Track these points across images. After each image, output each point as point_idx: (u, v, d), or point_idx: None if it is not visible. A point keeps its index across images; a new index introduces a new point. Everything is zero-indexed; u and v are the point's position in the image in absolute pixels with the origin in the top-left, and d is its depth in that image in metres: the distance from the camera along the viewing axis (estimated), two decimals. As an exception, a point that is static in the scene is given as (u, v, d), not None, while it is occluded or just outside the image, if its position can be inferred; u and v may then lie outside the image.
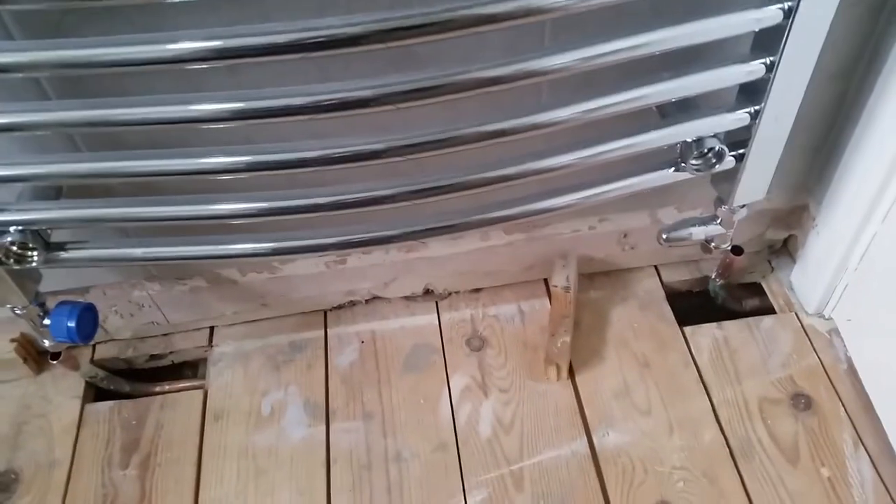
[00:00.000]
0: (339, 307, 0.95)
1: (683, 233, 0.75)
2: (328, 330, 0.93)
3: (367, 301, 0.95)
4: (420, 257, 0.88)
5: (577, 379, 0.85)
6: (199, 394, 0.88)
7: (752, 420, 0.81)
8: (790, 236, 0.92)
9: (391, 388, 0.87)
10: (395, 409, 0.85)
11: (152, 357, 0.93)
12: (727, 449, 0.79)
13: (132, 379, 0.92)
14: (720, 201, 0.74)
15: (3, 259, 0.66)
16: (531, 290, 0.95)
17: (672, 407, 0.82)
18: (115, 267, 0.80)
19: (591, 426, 0.81)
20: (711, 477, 0.77)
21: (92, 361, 0.91)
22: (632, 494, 0.76)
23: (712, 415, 0.81)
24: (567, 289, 0.87)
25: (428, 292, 0.94)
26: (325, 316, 0.95)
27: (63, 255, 0.65)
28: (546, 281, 0.95)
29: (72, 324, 0.72)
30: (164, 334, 0.93)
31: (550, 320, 0.88)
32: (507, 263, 0.91)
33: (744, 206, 0.73)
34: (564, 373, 0.84)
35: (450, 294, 0.95)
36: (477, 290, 0.95)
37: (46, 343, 0.77)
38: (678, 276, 0.94)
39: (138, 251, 0.68)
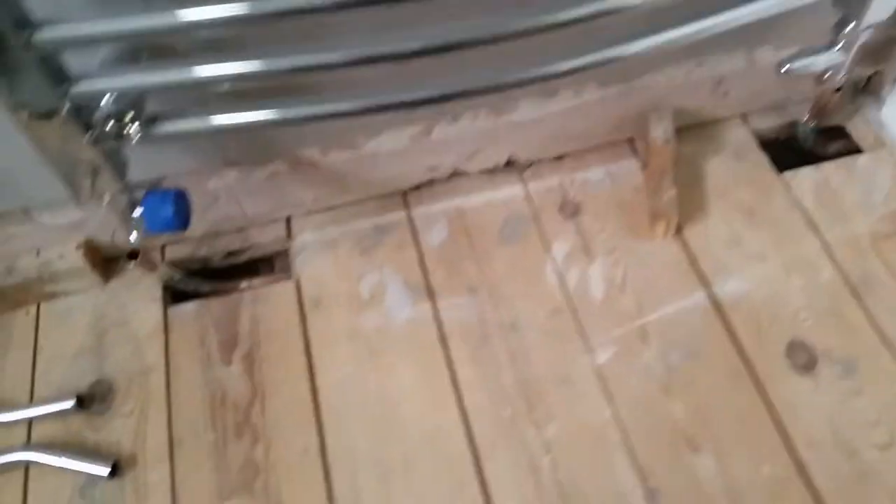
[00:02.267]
0: (418, 187, 0.90)
1: (805, 62, 0.72)
2: (411, 210, 0.88)
3: (447, 178, 0.90)
4: (508, 122, 0.83)
5: (684, 233, 0.83)
6: (290, 285, 0.83)
7: (866, 255, 0.80)
8: (875, 73, 0.90)
9: (490, 262, 0.83)
10: (500, 282, 0.82)
11: (229, 254, 0.87)
12: (847, 285, 0.78)
13: (209, 278, 0.86)
14: (841, 25, 0.71)
15: (101, 136, 0.59)
16: (616, 152, 0.91)
17: (784, 250, 0.81)
18: (198, 150, 0.73)
19: (708, 277, 0.80)
20: (837, 314, 0.76)
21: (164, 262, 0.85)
22: (762, 337, 0.75)
23: (825, 254, 0.80)
24: (667, 141, 0.83)
25: (510, 164, 0.90)
26: (405, 197, 0.89)
27: (162, 127, 0.59)
28: (631, 140, 0.91)
29: (169, 210, 0.65)
30: (240, 229, 0.87)
31: (649, 176, 0.84)
32: (596, 123, 0.87)
33: (869, 27, 0.70)
34: (673, 227, 0.82)
35: (531, 164, 0.90)
36: (560, 158, 0.91)
37: (132, 238, 0.70)
38: (766, 124, 0.92)
39: (233, 119, 0.62)
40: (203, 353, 0.78)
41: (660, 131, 0.84)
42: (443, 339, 0.78)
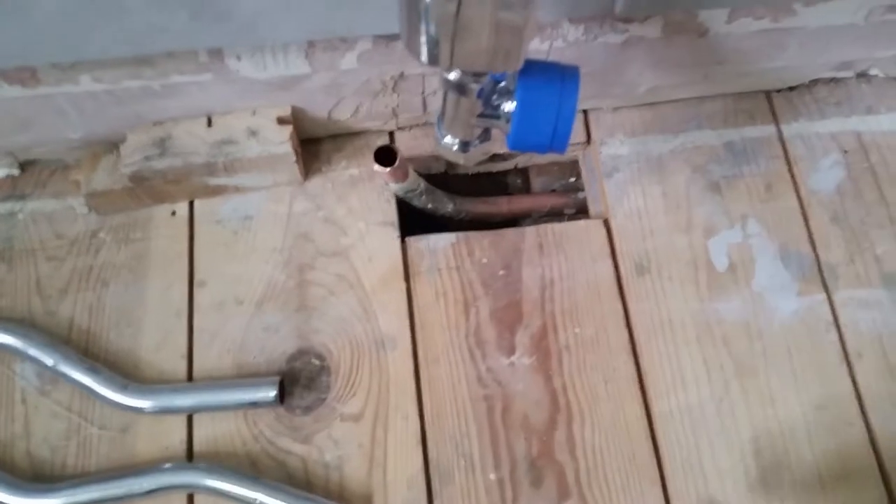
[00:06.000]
0: (792, 89, 0.56)
1: None
2: (781, 126, 0.55)
3: (835, 80, 0.56)
4: None
5: None
6: (596, 227, 0.52)
7: None
8: None
9: (913, 233, 0.52)
10: (931, 270, 0.51)
11: (492, 158, 0.55)
12: None
13: (462, 195, 0.54)
14: None
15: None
16: None
17: None
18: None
19: None
20: None
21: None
22: None
23: None
24: None
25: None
26: (770, 102, 0.56)
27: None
28: None
29: (569, 108, 0.33)
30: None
31: None
32: None
33: None
34: None
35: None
36: None
37: (457, 145, 0.38)
38: None
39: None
40: (467, 326, 0.49)
41: None
42: (845, 355, 0.49)
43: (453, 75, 0.33)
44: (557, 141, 0.34)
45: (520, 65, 0.30)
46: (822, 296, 0.50)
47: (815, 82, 0.56)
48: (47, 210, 0.52)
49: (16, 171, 0.53)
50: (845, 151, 0.55)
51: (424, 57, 0.30)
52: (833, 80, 0.56)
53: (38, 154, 0.52)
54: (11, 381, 0.46)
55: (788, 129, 0.55)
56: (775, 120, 0.56)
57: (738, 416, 0.47)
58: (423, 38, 0.29)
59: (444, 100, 0.37)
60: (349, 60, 0.46)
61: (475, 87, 0.33)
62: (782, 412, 0.47)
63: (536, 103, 0.33)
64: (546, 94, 0.33)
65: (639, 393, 0.47)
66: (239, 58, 0.45)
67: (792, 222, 0.52)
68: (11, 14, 0.38)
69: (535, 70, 0.33)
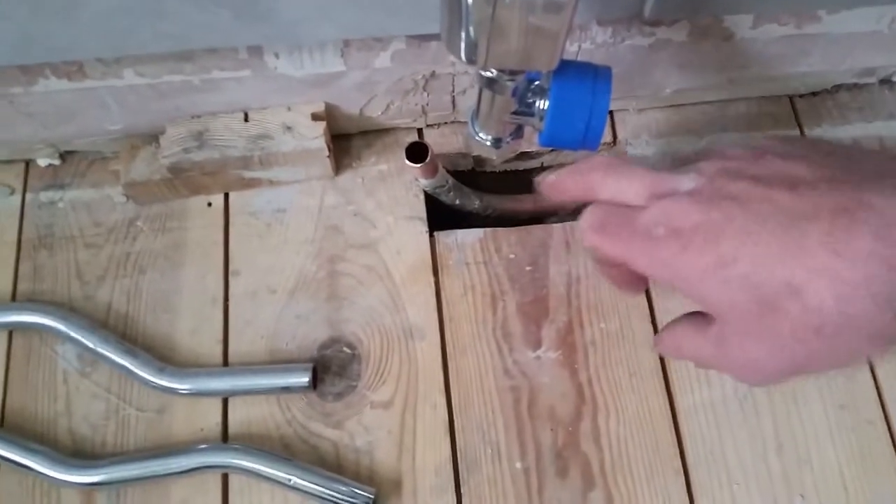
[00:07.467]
0: (815, 94, 0.57)
1: None
2: (804, 130, 0.56)
3: (857, 86, 0.57)
4: None
5: None
6: (622, 226, 0.53)
7: None
8: None
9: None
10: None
11: (520, 156, 0.56)
12: None
13: (483, 190, 0.55)
14: None
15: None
16: None
17: None
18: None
19: None
20: None
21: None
22: None
23: None
24: None
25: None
26: (794, 107, 0.57)
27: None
28: None
29: (603, 105, 0.34)
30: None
31: None
32: None
33: None
34: None
35: None
36: None
37: (489, 141, 0.40)
38: None
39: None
40: (494, 320, 0.50)
41: None
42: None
43: (489, 73, 0.34)
44: (590, 138, 0.35)
45: (555, 65, 0.31)
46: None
47: (837, 88, 0.57)
48: (86, 199, 0.53)
49: (57, 161, 0.54)
50: (868, 156, 0.55)
51: (463, 55, 0.31)
52: (856, 85, 0.57)
53: (78, 145, 0.54)
54: (54, 362, 0.47)
55: (811, 134, 0.56)
56: (798, 124, 0.56)
57: (761, 413, 0.47)
58: (462, 38, 0.30)
59: (479, 97, 0.38)
60: (383, 59, 0.47)
61: (510, 84, 0.34)
62: (804, 410, 0.48)
63: (570, 101, 0.34)
64: (580, 93, 0.34)
65: (663, 387, 0.48)
66: (277, 55, 0.46)
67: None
68: (61, 12, 0.39)
69: (569, 69, 0.34)
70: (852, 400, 0.48)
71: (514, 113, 0.37)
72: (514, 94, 0.36)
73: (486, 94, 0.36)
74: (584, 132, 0.35)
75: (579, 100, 0.34)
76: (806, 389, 0.48)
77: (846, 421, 0.47)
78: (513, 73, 0.34)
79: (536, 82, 0.37)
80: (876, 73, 0.56)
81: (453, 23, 0.30)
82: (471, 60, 0.31)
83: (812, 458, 0.46)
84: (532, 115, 0.37)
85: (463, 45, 0.30)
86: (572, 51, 0.48)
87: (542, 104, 0.35)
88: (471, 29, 0.29)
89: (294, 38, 0.45)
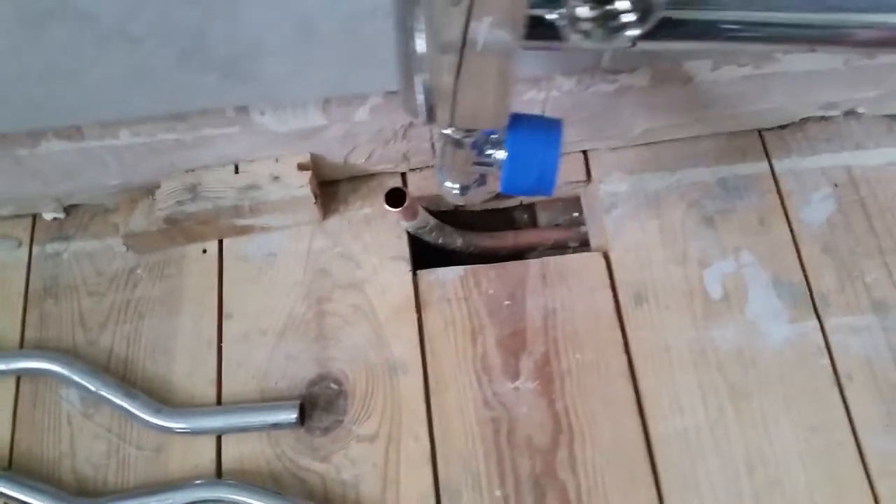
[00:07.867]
0: (783, 127, 0.60)
1: None
2: (773, 162, 0.58)
3: (825, 118, 0.59)
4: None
5: None
6: (595, 260, 0.55)
7: None
8: None
9: (902, 260, 0.55)
10: (919, 296, 0.53)
11: (499, 196, 0.59)
12: None
13: (467, 229, 0.58)
14: None
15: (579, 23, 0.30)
16: None
17: None
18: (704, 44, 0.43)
19: None
20: None
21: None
22: None
23: None
24: None
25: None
26: (763, 140, 0.59)
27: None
28: None
29: (553, 158, 0.37)
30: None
31: None
32: None
33: None
34: None
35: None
36: None
37: (454, 189, 0.42)
38: None
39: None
40: (475, 353, 0.52)
41: None
42: (836, 378, 0.51)
43: (449, 131, 0.37)
44: (544, 186, 0.37)
45: (505, 123, 0.34)
46: (814, 322, 0.53)
47: (805, 120, 0.59)
48: (89, 250, 0.56)
49: (61, 215, 0.58)
50: (836, 185, 0.57)
51: (422, 118, 0.34)
52: (822, 118, 0.59)
53: (80, 199, 0.57)
54: (58, 406, 0.50)
55: (780, 165, 0.58)
56: (767, 157, 0.59)
57: (732, 439, 0.49)
58: (421, 103, 0.33)
59: (443, 151, 0.41)
60: (362, 113, 0.50)
61: (468, 141, 0.37)
62: (775, 434, 0.49)
63: (523, 153, 0.37)
64: (532, 145, 0.37)
65: (637, 416, 0.50)
66: (263, 113, 0.49)
67: (784, 253, 0.55)
68: (63, 80, 0.43)
69: (522, 123, 0.37)
70: (823, 422, 0.50)
71: (475, 164, 0.40)
72: (473, 147, 0.38)
73: (448, 149, 0.39)
74: (537, 180, 0.38)
75: (532, 151, 0.37)
76: (776, 411, 0.50)
77: (817, 443, 0.49)
78: (469, 130, 0.37)
79: (493, 135, 0.39)
80: (839, 106, 0.58)
81: (410, 91, 0.33)
82: (431, 122, 0.34)
83: (783, 480, 0.48)
84: (491, 164, 0.40)
85: (422, 110, 0.33)
86: (540, 98, 0.51)
87: (500, 155, 0.38)
88: (431, 96, 0.32)
89: (277, 98, 0.48)
